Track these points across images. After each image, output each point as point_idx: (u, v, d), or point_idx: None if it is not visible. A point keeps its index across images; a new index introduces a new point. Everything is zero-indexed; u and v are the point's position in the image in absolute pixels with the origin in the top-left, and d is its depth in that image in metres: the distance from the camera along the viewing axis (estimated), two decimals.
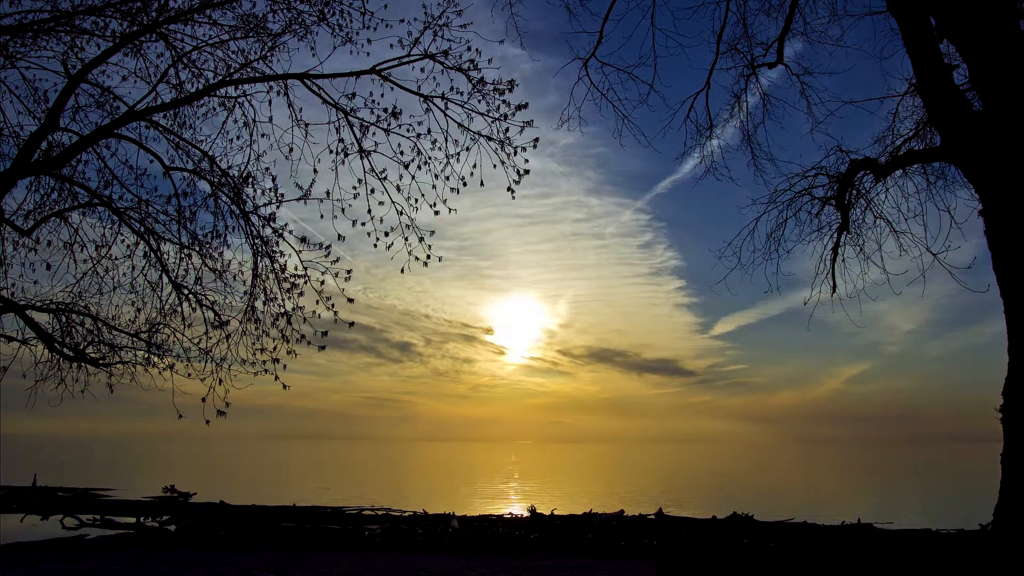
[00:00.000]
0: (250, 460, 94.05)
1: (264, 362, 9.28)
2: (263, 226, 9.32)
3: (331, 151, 9.00)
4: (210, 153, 9.49)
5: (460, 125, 8.86)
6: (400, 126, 8.86)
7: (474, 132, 8.84)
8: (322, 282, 8.85)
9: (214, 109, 9.55)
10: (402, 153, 8.89)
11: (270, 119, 9.34)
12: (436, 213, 8.83)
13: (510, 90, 8.68)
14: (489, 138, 8.80)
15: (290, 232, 9.19)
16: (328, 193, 8.80)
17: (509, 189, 8.83)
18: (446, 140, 8.87)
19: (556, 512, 20.74)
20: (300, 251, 9.06)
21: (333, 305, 8.86)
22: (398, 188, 8.89)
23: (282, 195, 9.20)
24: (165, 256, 9.83)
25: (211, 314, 9.81)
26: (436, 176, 8.89)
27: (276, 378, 9.18)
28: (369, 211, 8.84)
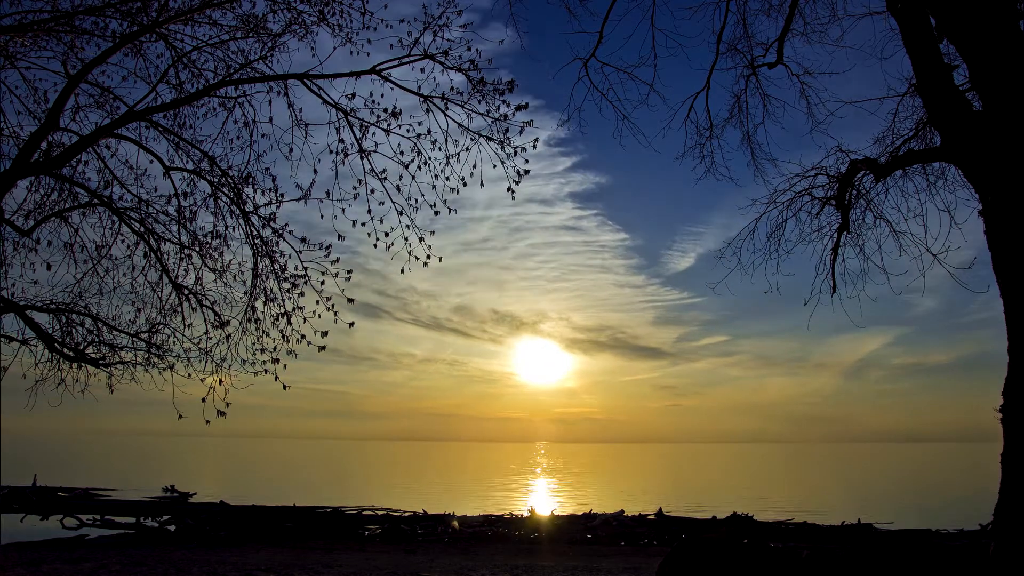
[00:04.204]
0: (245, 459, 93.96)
1: (264, 362, 9.28)
2: (263, 226, 9.33)
3: (331, 151, 9.00)
4: (210, 153, 9.48)
5: (460, 125, 8.87)
6: (400, 126, 8.86)
7: (474, 132, 8.85)
8: (322, 282, 8.87)
9: (214, 109, 9.55)
10: (402, 153, 8.89)
11: (270, 119, 9.34)
12: (436, 213, 8.84)
13: (510, 90, 8.68)
14: (489, 138, 8.81)
15: (290, 232, 9.19)
16: (328, 193, 8.81)
17: (509, 189, 8.84)
18: (446, 140, 8.88)
19: (556, 512, 20.74)
20: (300, 251, 9.07)
21: (333, 305, 8.88)
22: (398, 188, 8.89)
23: (282, 195, 9.21)
24: (165, 256, 9.83)
25: (211, 314, 9.81)
26: (436, 176, 8.90)
27: (276, 378, 9.18)
28: (369, 211, 8.85)
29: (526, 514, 20.14)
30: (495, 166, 8.80)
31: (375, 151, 8.95)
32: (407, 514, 20.55)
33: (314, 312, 9.00)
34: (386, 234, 8.80)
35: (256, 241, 9.43)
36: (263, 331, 9.37)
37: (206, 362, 9.57)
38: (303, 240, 9.05)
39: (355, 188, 8.87)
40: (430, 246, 8.80)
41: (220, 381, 9.32)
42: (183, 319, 9.86)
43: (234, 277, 9.75)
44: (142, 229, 9.72)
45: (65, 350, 9.82)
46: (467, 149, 8.84)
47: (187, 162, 9.65)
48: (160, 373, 9.79)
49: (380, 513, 20.59)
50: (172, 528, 19.42)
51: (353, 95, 8.82)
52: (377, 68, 8.74)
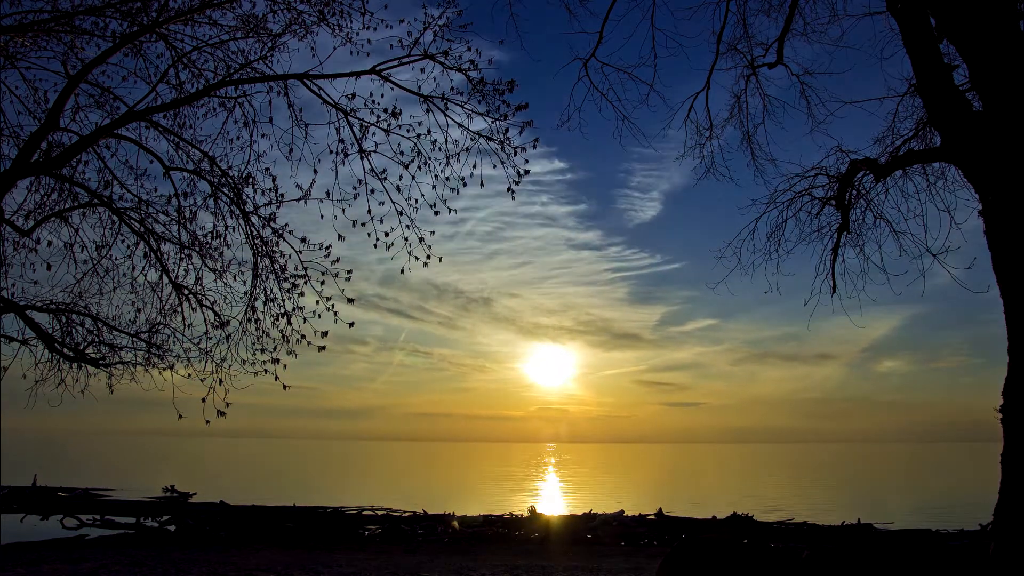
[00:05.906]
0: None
1: (264, 362, 9.28)
2: (263, 226, 9.33)
3: (331, 151, 9.01)
4: (210, 153, 9.49)
5: (460, 125, 8.87)
6: (400, 126, 8.86)
7: (474, 132, 8.85)
8: (322, 282, 8.87)
9: (214, 109, 9.55)
10: (402, 153, 8.90)
11: (270, 119, 9.36)
12: (436, 213, 8.84)
13: (510, 90, 8.68)
14: (489, 138, 8.81)
15: (290, 232, 9.19)
16: (328, 193, 8.81)
17: (509, 189, 8.85)
18: (446, 140, 8.88)
19: (555, 512, 20.73)
20: (300, 251, 9.08)
21: (333, 305, 8.88)
22: (398, 188, 8.90)
23: (282, 195, 9.21)
24: (165, 256, 9.83)
25: (211, 314, 9.82)
26: (436, 176, 8.90)
27: (276, 378, 9.18)
28: (369, 211, 8.86)
29: (526, 514, 20.13)
30: (495, 166, 8.82)
31: (375, 151, 8.97)
32: (407, 514, 20.53)
33: (314, 312, 9.01)
34: (386, 234, 8.81)
35: (256, 241, 9.44)
36: (263, 331, 9.38)
37: (206, 362, 9.59)
38: (303, 240, 9.06)
39: (355, 188, 8.88)
40: (430, 246, 8.82)
41: (220, 381, 9.34)
42: (183, 319, 9.88)
43: (234, 277, 9.76)
44: (142, 229, 9.73)
45: (65, 350, 9.82)
46: (467, 149, 8.85)
47: (187, 162, 9.66)
48: (160, 373, 9.82)
49: (380, 513, 20.57)
50: (172, 528, 19.41)
51: (353, 95, 8.84)
52: (377, 68, 8.75)
